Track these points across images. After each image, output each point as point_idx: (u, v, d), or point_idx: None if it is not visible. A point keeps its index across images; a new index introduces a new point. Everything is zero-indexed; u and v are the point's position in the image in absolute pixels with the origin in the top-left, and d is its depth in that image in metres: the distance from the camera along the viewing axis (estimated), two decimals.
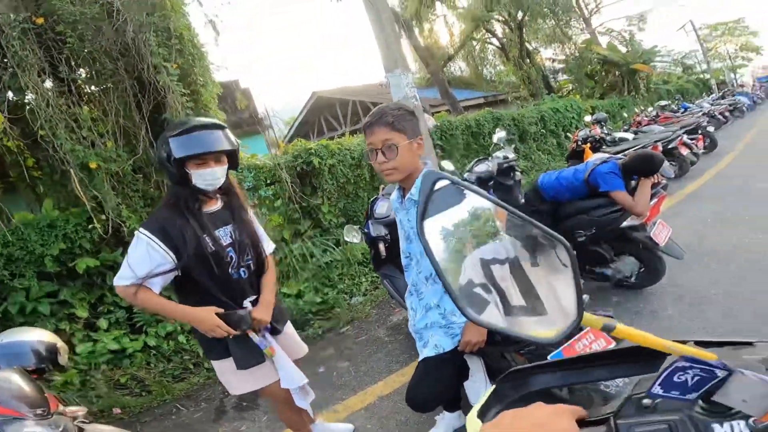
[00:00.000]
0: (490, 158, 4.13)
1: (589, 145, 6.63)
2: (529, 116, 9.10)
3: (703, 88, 25.69)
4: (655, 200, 2.92)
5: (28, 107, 3.33)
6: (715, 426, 0.50)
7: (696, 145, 6.89)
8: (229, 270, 1.73)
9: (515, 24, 14.63)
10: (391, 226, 2.72)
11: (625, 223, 2.93)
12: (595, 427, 0.55)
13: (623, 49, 18.18)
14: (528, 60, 14.91)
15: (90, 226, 3.35)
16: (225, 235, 1.74)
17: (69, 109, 3.35)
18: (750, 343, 0.58)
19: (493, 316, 0.56)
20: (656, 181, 2.98)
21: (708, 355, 0.52)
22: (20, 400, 1.65)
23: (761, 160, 7.14)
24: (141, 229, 1.63)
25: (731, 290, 2.89)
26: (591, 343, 1.91)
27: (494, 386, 0.68)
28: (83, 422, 1.75)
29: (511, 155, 4.62)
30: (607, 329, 0.53)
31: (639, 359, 0.63)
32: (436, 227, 0.54)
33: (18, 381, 1.69)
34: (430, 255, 0.53)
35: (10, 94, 3.44)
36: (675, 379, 0.52)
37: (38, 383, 1.74)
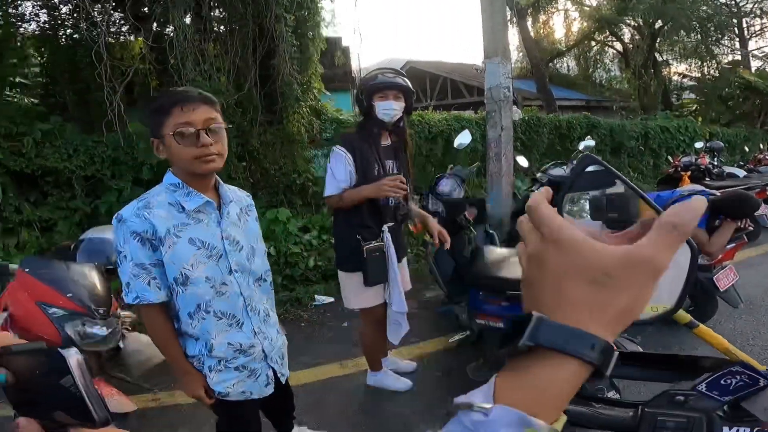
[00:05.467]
0: (568, 164, 3.93)
1: (689, 173, 5.98)
2: (630, 130, 8.35)
3: None
4: (732, 245, 2.64)
5: (167, 39, 3.77)
6: (725, 428, 0.55)
7: None
8: None
9: (648, 32, 13.20)
10: (448, 204, 2.78)
11: None
12: (624, 408, 0.62)
13: None
14: (652, 71, 13.48)
15: None
16: (390, 166, 2.12)
17: (199, 45, 3.75)
18: None
19: None
20: (742, 226, 2.69)
21: (760, 366, 0.57)
22: (90, 296, 1.70)
23: None
24: (339, 147, 2.04)
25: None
26: None
27: None
28: (127, 329, 1.87)
29: None
30: (691, 326, 0.59)
31: (670, 367, 0.68)
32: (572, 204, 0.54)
33: (94, 278, 1.78)
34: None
35: (154, 25, 3.92)
36: (721, 381, 0.57)
37: (109, 283, 1.84)
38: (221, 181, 1.42)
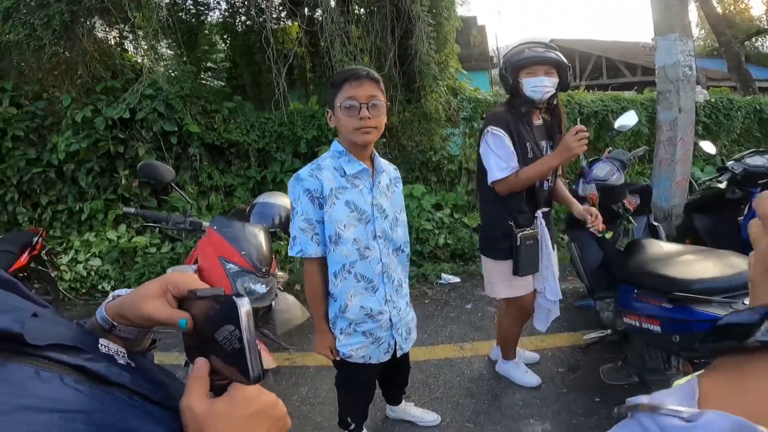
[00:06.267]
0: None
1: None
2: None
3: None
4: None
5: (318, 23, 4.11)
6: None
7: None
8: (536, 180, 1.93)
9: None
10: (602, 190, 2.48)
11: None
12: None
13: None
14: None
15: None
16: (544, 147, 1.97)
17: (344, 27, 4.00)
18: None
19: None
20: None
21: None
22: (257, 255, 1.81)
23: None
24: (495, 128, 1.89)
25: None
26: None
27: None
28: (279, 288, 1.98)
29: None
30: None
31: None
32: None
33: (261, 238, 1.92)
34: None
35: (306, 10, 4.31)
36: None
37: (271, 244, 1.99)
38: (376, 153, 1.54)
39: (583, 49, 13.88)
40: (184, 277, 0.52)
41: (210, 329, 0.46)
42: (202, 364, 0.46)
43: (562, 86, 1.93)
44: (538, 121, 1.99)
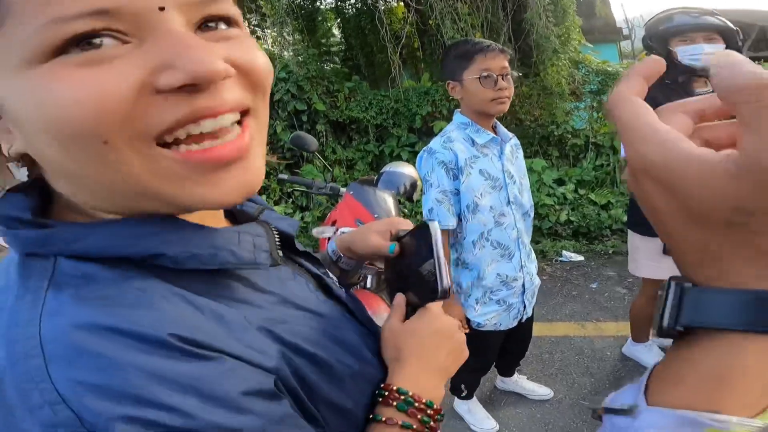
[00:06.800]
0: None
1: None
2: None
3: None
4: None
5: (425, 1, 4.09)
6: None
7: None
8: None
9: None
10: None
11: None
12: None
13: None
14: None
15: (450, 97, 4.15)
16: None
17: (453, 4, 3.95)
18: None
19: None
20: None
21: None
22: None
23: None
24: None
25: None
26: None
27: None
28: None
29: None
30: None
31: None
32: None
33: (390, 203, 2.06)
34: None
35: None
36: None
37: (398, 210, 2.11)
38: (498, 122, 1.56)
39: (742, 20, 11.78)
40: (404, 221, 0.60)
41: (415, 262, 0.52)
42: (401, 297, 0.54)
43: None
44: (704, 88, 1.78)
